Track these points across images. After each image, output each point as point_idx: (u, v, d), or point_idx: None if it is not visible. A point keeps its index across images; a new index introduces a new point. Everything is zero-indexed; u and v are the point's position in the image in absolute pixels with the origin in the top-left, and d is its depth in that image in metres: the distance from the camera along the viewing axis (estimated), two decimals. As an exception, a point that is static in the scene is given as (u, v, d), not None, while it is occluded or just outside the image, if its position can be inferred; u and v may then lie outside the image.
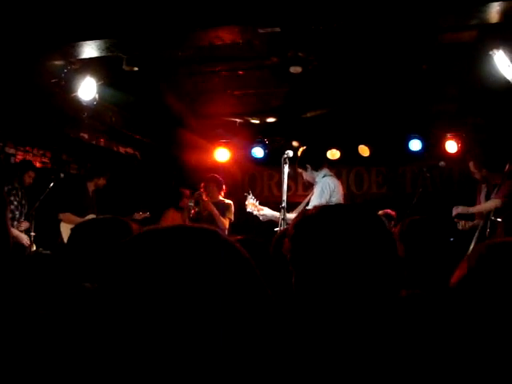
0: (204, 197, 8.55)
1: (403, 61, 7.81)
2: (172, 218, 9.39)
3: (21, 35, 5.98)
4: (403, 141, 10.50)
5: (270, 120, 10.79)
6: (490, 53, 6.52)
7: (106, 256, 1.14)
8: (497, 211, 7.05)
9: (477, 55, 6.95)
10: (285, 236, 2.89)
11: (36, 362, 1.61)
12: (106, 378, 1.05)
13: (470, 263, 1.49)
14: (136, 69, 7.19)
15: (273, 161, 8.87)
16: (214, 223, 8.32)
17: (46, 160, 9.85)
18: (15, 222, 7.97)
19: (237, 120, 10.76)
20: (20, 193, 8.17)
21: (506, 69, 6.54)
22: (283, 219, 6.56)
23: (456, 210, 7.34)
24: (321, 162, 7.17)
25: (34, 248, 8.00)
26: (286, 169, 6.77)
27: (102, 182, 8.99)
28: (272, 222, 7.17)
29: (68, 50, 6.57)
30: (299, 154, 7.14)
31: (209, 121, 10.51)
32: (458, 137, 10.21)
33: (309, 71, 7.72)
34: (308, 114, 10.17)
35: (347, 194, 9.80)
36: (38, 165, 9.56)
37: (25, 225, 8.12)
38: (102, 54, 6.50)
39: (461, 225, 7.39)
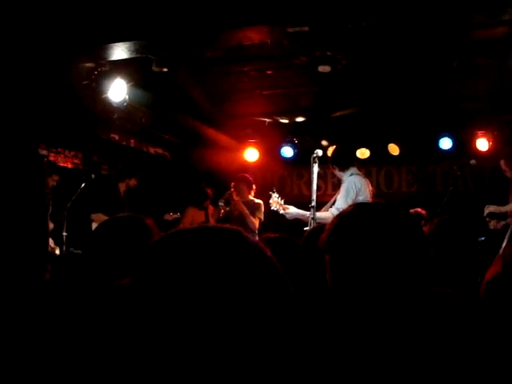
0: (234, 196, 8.57)
1: (433, 58, 7.74)
2: (192, 217, 9.38)
3: (52, 38, 6.05)
4: (433, 139, 10.43)
5: (299, 119, 10.77)
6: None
7: (134, 256, 1.17)
8: (529, 210, 6.97)
9: (508, 52, 6.87)
10: (315, 234, 2.89)
11: (71, 359, 1.64)
12: (135, 373, 1.07)
13: (504, 261, 1.48)
14: (166, 70, 7.23)
15: (302, 160, 8.88)
16: (245, 223, 8.34)
17: (77, 161, 9.95)
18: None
19: (266, 120, 10.76)
20: None
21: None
22: (313, 218, 6.56)
23: (487, 209, 7.27)
24: (348, 162, 7.16)
25: (64, 249, 8.07)
26: (316, 168, 6.76)
27: (133, 182, 9.05)
28: (300, 221, 7.18)
29: (98, 52, 6.64)
30: (330, 152, 7.16)
31: (238, 121, 10.53)
32: (489, 134, 10.11)
33: (337, 70, 7.70)
34: (337, 113, 10.13)
35: (377, 192, 9.77)
36: (69, 166, 9.67)
37: (49, 226, 8.17)
38: (132, 56, 6.55)
39: (492, 224, 7.32)
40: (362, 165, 11.02)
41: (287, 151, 11.03)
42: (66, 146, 9.62)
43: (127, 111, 8.67)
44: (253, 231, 8.34)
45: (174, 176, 11.46)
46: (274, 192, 7.27)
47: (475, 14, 5.74)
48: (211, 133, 10.50)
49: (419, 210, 9.08)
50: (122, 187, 8.96)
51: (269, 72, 8.47)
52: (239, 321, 1.06)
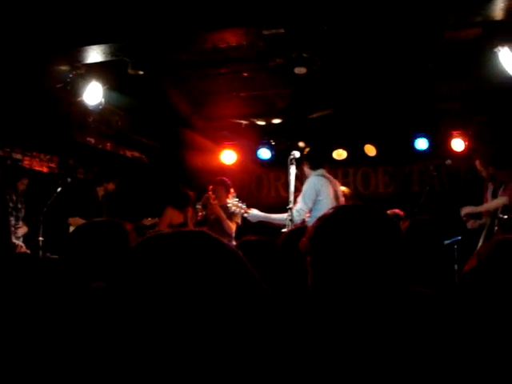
0: (211, 200, 8.55)
1: (408, 59, 7.80)
2: (170, 217, 9.34)
3: (26, 41, 6.00)
4: (409, 139, 10.49)
5: (276, 121, 10.78)
6: (495, 50, 6.50)
7: (109, 261, 1.18)
8: (504, 208, 7.04)
9: (482, 53, 6.94)
10: (293, 236, 2.90)
11: (45, 362, 1.63)
12: (110, 376, 1.07)
13: (479, 258, 1.49)
14: (141, 72, 7.21)
15: (279, 162, 8.88)
16: (221, 227, 8.34)
17: (53, 165, 9.88)
18: (11, 228, 7.95)
19: (242, 122, 10.76)
20: (15, 197, 8.12)
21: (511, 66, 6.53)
22: (291, 220, 6.57)
23: (464, 210, 7.34)
24: (319, 162, 7.15)
25: (40, 253, 8.00)
26: (293, 170, 6.78)
27: (111, 186, 9.01)
28: (271, 224, 7.23)
29: (73, 55, 6.60)
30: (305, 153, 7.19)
31: (214, 123, 10.51)
32: (464, 135, 10.19)
33: (313, 72, 7.71)
34: (314, 115, 10.16)
35: (354, 193, 9.80)
36: (45, 170, 9.59)
37: (22, 230, 8.10)
38: (107, 59, 6.52)
39: (470, 224, 7.39)
40: (338, 166, 11.12)
41: (264, 153, 11.04)
42: (42, 149, 9.55)
43: (103, 114, 8.63)
44: (229, 235, 8.33)
45: (151, 179, 11.42)
46: (233, 197, 7.39)
47: (448, 16, 5.79)
48: (188, 135, 10.49)
49: (397, 211, 9.12)
50: (101, 191, 8.92)
51: (245, 74, 8.47)
52: (213, 322, 1.06)
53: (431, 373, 1.59)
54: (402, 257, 1.83)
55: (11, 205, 8.06)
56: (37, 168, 9.41)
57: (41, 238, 8.15)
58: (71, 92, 7.41)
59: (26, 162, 9.16)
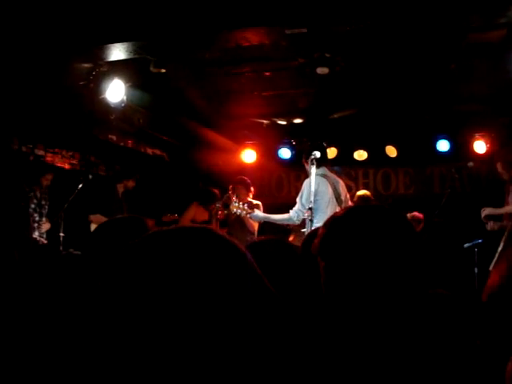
0: (233, 199, 8.57)
1: (431, 60, 7.75)
2: (194, 213, 9.36)
3: (50, 38, 6.04)
4: (431, 141, 10.44)
5: (297, 121, 10.78)
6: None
7: (113, 258, 1.18)
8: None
9: (506, 54, 6.88)
10: (313, 237, 2.89)
11: (55, 356, 1.64)
12: (113, 374, 1.07)
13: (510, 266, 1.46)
14: (163, 71, 7.23)
15: (300, 162, 8.88)
16: (244, 225, 8.37)
17: (74, 162, 9.94)
18: (35, 225, 8.04)
19: (263, 121, 10.77)
20: (39, 194, 8.20)
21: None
22: (310, 220, 6.55)
23: (484, 212, 7.28)
24: (320, 160, 6.97)
25: (61, 249, 8.06)
26: (314, 170, 6.74)
27: (131, 183, 9.04)
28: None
29: (96, 53, 6.64)
30: (329, 154, 7.16)
31: (236, 122, 10.52)
32: (486, 137, 10.12)
33: (336, 72, 7.70)
34: (335, 115, 10.15)
35: (375, 194, 9.78)
36: (66, 166, 9.66)
37: (46, 226, 8.17)
38: (130, 57, 6.56)
39: (489, 225, 7.33)
40: (359, 166, 11.10)
41: (285, 153, 11.04)
42: (64, 146, 9.61)
43: (125, 112, 8.66)
44: (251, 233, 8.35)
45: (171, 177, 11.46)
46: (234, 201, 7.54)
47: (472, 17, 5.75)
48: (209, 134, 10.51)
49: (416, 213, 9.08)
50: (120, 188, 8.96)
51: (267, 73, 8.47)
52: (215, 320, 1.06)
53: (447, 374, 1.59)
54: (416, 258, 1.81)
55: (35, 201, 8.13)
56: (59, 164, 9.47)
57: (62, 234, 8.21)
58: (94, 89, 7.46)
59: (49, 159, 9.23)
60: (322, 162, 7.05)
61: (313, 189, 6.65)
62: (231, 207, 7.42)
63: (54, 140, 9.27)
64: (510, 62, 6.77)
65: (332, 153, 10.58)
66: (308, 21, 5.70)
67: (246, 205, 7.38)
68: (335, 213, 1.97)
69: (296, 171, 11.55)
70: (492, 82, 8.30)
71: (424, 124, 10.17)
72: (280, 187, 11.93)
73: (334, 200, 6.96)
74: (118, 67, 7.28)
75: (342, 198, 7.11)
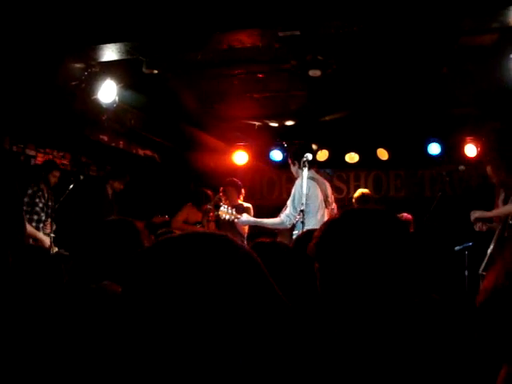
0: (223, 201, 8.56)
1: (423, 64, 7.78)
2: (187, 214, 9.35)
3: (42, 38, 6.03)
4: (422, 144, 10.47)
5: (289, 123, 10.78)
6: (511, 56, 6.48)
7: (123, 260, 1.19)
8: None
9: (497, 59, 6.90)
10: (304, 240, 2.89)
11: (46, 358, 1.64)
12: (116, 375, 1.07)
13: (507, 269, 1.45)
14: (156, 72, 7.22)
15: (291, 164, 8.89)
16: (233, 227, 8.35)
17: (65, 162, 9.92)
18: (41, 224, 8.03)
19: (255, 123, 10.77)
20: (46, 194, 8.20)
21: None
22: (302, 222, 6.55)
23: (474, 215, 7.30)
24: (309, 163, 6.92)
25: (56, 249, 8.03)
26: (306, 172, 6.74)
27: (117, 185, 9.03)
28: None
29: (88, 53, 6.62)
30: (320, 156, 7.15)
31: (227, 123, 10.52)
32: (477, 141, 10.15)
33: (328, 74, 7.70)
34: (327, 118, 10.15)
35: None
36: (57, 167, 9.64)
37: (50, 226, 8.16)
38: (122, 57, 6.55)
39: (478, 226, 7.34)
40: (350, 169, 11.11)
41: (276, 155, 11.05)
42: (55, 146, 9.59)
43: (117, 112, 8.64)
44: (241, 235, 8.34)
45: (163, 178, 11.44)
46: (221, 205, 7.53)
47: (465, 21, 5.77)
48: (200, 135, 10.50)
49: (405, 214, 9.07)
50: (110, 190, 8.95)
51: (259, 75, 8.47)
52: (228, 324, 1.06)
53: (440, 377, 1.59)
54: (410, 260, 1.82)
55: (43, 201, 8.12)
56: (49, 165, 9.44)
57: (52, 235, 8.18)
58: (85, 90, 7.43)
59: (39, 159, 9.20)
60: (311, 164, 7.03)
61: (305, 191, 6.65)
62: (219, 212, 7.41)
63: (45, 140, 9.25)
64: (501, 65, 6.78)
65: (323, 155, 10.63)
66: (301, 23, 5.70)
67: (233, 210, 7.37)
68: (332, 216, 1.98)
69: (287, 173, 11.48)
70: (484, 85, 8.33)
71: (415, 127, 10.19)
72: (271, 189, 11.94)
73: (323, 203, 6.97)
74: (110, 68, 7.26)
75: (330, 199, 7.15)
